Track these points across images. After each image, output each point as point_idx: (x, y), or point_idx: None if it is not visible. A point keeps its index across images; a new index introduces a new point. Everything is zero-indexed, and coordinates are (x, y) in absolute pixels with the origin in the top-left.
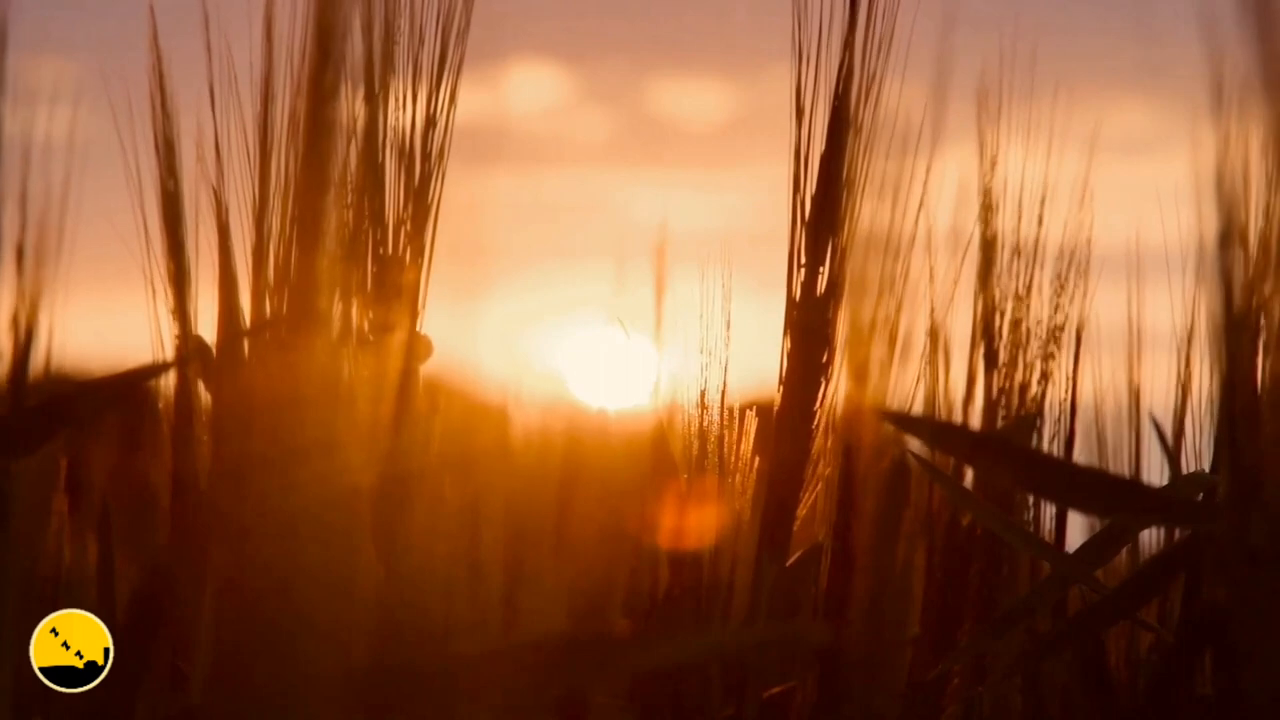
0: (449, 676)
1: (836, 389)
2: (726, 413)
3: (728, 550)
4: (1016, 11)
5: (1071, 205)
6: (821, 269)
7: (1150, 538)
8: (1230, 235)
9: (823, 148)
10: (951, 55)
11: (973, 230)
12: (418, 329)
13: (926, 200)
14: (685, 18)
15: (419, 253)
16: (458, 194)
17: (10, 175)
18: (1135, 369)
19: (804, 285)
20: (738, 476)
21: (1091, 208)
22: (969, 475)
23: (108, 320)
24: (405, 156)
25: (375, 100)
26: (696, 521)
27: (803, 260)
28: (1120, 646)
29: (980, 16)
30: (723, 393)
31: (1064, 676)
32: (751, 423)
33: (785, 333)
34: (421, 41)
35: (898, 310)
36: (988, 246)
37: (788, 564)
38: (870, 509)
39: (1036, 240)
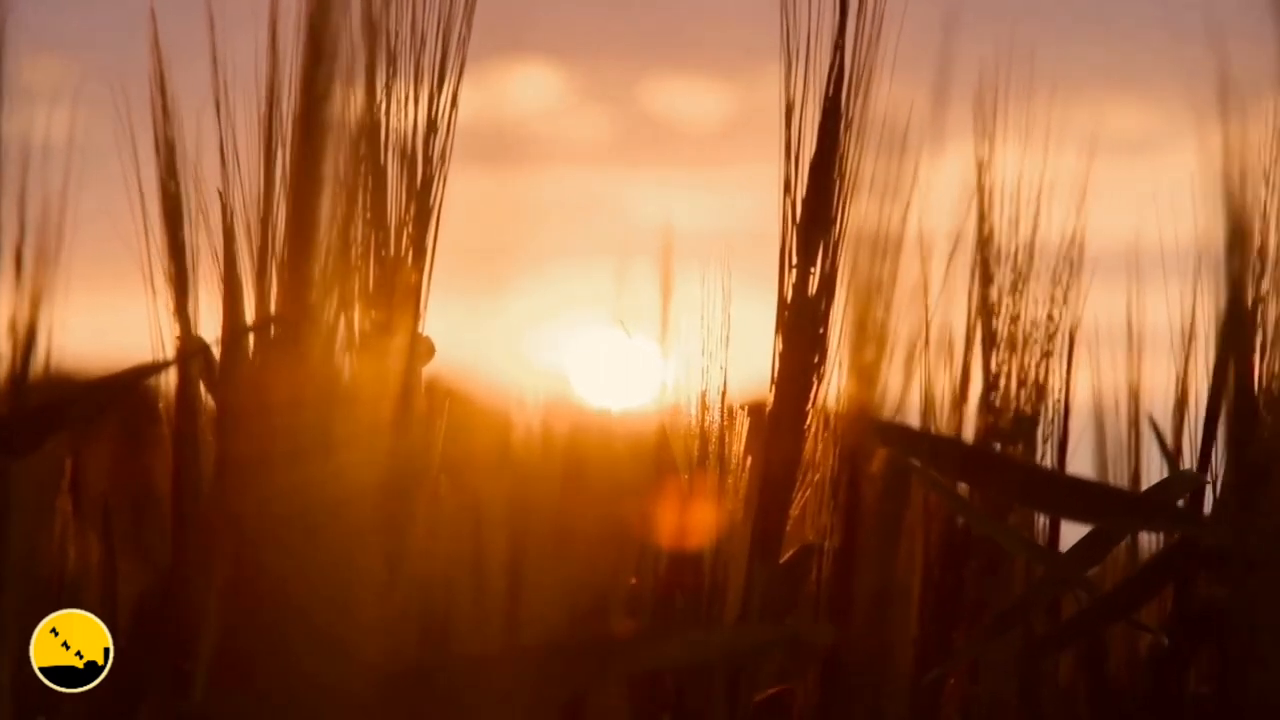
0: (452, 677)
1: (829, 389)
2: (725, 413)
3: (724, 550)
4: (1012, 11)
5: (1068, 205)
6: (813, 270)
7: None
8: (1237, 237)
9: (813, 148)
10: (952, 53)
11: (968, 230)
12: (419, 330)
13: (922, 200)
14: (686, 17)
15: (420, 254)
16: (459, 194)
17: (10, 175)
18: (1133, 370)
19: (795, 286)
20: (735, 476)
21: (1087, 208)
22: None
23: (108, 320)
24: (407, 158)
25: (376, 102)
26: (695, 521)
27: (794, 261)
28: (1119, 646)
29: (976, 16)
30: (722, 393)
31: (1062, 676)
32: (744, 423)
33: (777, 333)
34: (423, 43)
35: (889, 311)
36: (983, 247)
37: (780, 563)
38: (871, 508)
39: (1032, 241)
